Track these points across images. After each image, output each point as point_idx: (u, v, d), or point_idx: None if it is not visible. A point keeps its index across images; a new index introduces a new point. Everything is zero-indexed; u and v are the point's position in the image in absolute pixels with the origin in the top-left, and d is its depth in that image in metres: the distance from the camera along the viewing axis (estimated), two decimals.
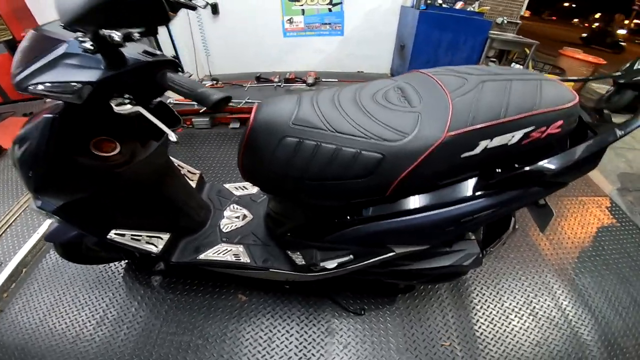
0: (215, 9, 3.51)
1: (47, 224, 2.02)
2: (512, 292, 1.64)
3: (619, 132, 0.88)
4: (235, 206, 1.57)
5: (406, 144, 0.85)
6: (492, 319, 1.53)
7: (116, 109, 0.88)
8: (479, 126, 0.83)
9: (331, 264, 1.17)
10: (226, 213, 1.54)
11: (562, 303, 1.60)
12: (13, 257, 1.83)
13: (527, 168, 0.90)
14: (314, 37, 3.74)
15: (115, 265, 1.78)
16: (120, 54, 0.86)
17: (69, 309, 1.59)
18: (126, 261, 1.78)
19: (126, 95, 0.89)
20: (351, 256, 1.16)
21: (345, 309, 1.55)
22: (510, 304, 1.59)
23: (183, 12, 3.54)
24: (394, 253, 1.13)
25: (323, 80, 3.57)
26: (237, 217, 1.51)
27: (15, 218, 2.13)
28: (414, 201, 1.00)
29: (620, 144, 2.86)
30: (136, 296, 1.63)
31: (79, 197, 1.08)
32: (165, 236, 1.33)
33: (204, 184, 1.68)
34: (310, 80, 3.46)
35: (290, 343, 1.44)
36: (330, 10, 3.57)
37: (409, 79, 1.04)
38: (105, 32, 0.76)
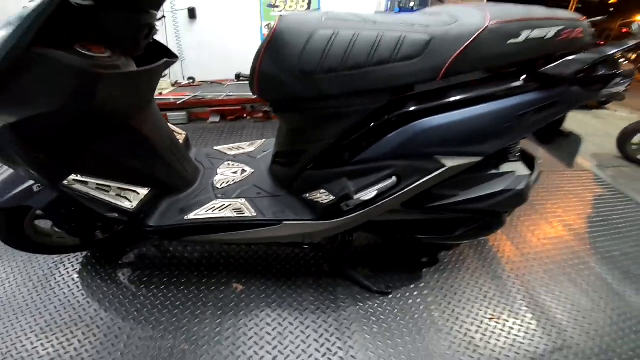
0: (192, 13, 3.39)
1: None
2: (545, 262, 1.46)
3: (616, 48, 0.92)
4: (230, 163, 1.31)
5: (452, 29, 0.86)
6: (533, 287, 1.33)
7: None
8: (518, 17, 0.87)
9: (369, 194, 0.95)
10: (220, 170, 1.27)
11: (598, 271, 1.44)
12: None
13: (569, 57, 0.91)
14: None
15: (69, 259, 1.40)
16: None
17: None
18: (84, 254, 1.41)
19: None
20: (394, 178, 0.95)
21: (368, 289, 1.27)
22: (547, 275, 1.40)
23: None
24: (445, 168, 0.94)
25: None
26: (234, 173, 1.25)
27: None
28: (468, 90, 0.92)
29: (587, 132, 3.14)
30: (96, 294, 1.26)
31: (40, 113, 0.82)
32: (143, 191, 1.05)
33: (190, 148, 1.39)
34: None
35: (308, 337, 1.13)
36: None
37: (420, 11, 1.09)
38: None
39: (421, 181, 0.95)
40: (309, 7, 3.45)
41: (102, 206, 0.99)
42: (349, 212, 0.98)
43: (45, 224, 1.28)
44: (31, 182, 1.02)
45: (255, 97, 2.68)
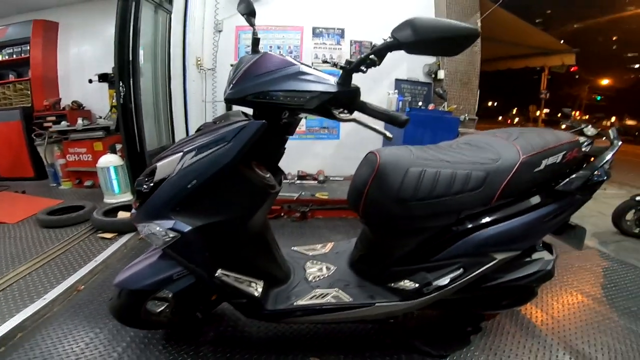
0: (230, 106, 3.92)
1: (59, 290, 1.86)
2: (574, 321, 1.71)
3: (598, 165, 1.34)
4: (313, 261, 1.57)
5: (500, 165, 1.20)
6: (570, 339, 1.57)
7: (338, 116, 1.05)
8: (538, 151, 1.23)
9: (445, 280, 1.24)
10: (307, 267, 1.53)
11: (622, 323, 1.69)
12: (7, 320, 1.59)
13: (573, 176, 1.32)
14: (314, 140, 4.20)
15: (150, 334, 1.56)
16: (351, 77, 1.04)
17: None
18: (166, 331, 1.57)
19: (341, 109, 1.06)
20: (461, 269, 1.24)
21: (428, 354, 1.45)
22: (580, 330, 1.63)
23: (199, 105, 3.95)
24: (496, 260, 1.27)
25: (330, 177, 4.00)
26: (320, 270, 1.51)
27: (12, 284, 1.91)
28: (511, 208, 1.29)
29: (581, 214, 3.46)
30: None
31: (216, 221, 1.12)
32: (260, 283, 1.29)
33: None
34: (321, 177, 3.84)
35: None
36: None
37: (463, 139, 1.43)
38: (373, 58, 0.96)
39: (480, 270, 1.27)
40: None
41: (237, 292, 1.23)
42: (429, 294, 1.26)
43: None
44: (171, 272, 1.22)
45: (294, 197, 3.07)
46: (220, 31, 3.94)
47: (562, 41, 8.28)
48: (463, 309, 1.45)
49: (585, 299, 1.92)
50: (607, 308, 1.82)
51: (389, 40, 0.94)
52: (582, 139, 1.45)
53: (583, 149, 1.40)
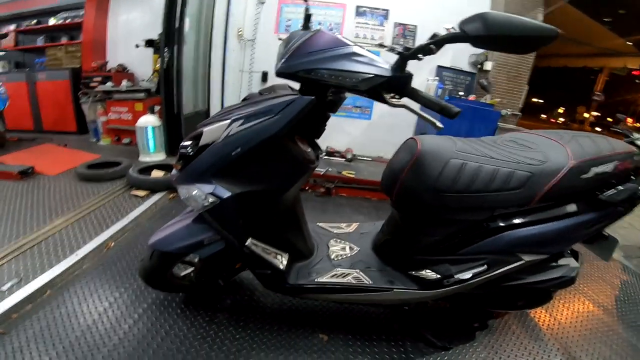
0: (265, 77, 4.04)
1: (91, 247, 1.95)
2: (579, 329, 1.70)
3: None
4: (337, 240, 1.58)
5: (546, 167, 1.15)
6: (570, 347, 1.58)
7: (389, 100, 1.05)
8: (590, 158, 1.17)
9: (467, 275, 1.23)
10: (330, 245, 1.54)
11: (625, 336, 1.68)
12: (39, 276, 1.66)
13: (620, 187, 1.21)
14: (344, 117, 4.15)
15: (170, 297, 1.63)
16: (406, 63, 1.03)
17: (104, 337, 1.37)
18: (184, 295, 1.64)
19: (392, 94, 1.04)
20: (485, 266, 1.22)
21: (432, 344, 1.46)
22: (582, 338, 1.62)
23: (236, 74, 3.77)
24: (523, 261, 1.24)
25: (358, 157, 3.95)
26: (343, 249, 1.51)
27: (47, 237, 2.01)
28: (548, 212, 1.23)
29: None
30: (198, 331, 1.44)
31: (254, 190, 1.15)
32: (286, 256, 1.31)
33: None
34: (349, 156, 3.80)
35: None
36: None
37: (508, 136, 1.38)
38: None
39: (504, 269, 1.25)
40: None
41: (263, 263, 1.27)
42: (448, 286, 1.26)
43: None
44: (202, 236, 1.25)
45: (321, 172, 3.07)
46: (263, 3, 3.92)
47: (630, 43, 7.56)
48: (476, 304, 1.44)
49: (595, 309, 1.89)
50: (614, 320, 1.79)
51: (454, 31, 0.91)
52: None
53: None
